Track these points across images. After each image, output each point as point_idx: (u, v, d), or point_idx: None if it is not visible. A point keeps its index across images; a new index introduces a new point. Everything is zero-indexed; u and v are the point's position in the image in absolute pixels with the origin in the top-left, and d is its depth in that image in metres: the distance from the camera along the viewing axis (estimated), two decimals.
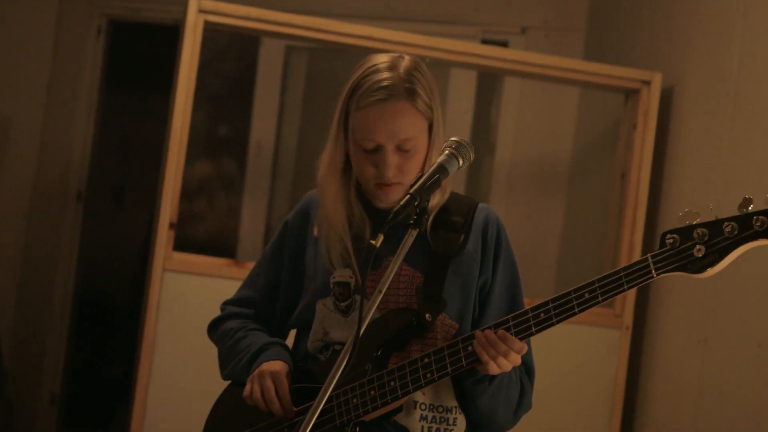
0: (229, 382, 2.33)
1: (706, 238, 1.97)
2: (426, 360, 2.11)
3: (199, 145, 5.45)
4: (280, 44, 5.20)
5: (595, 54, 4.92)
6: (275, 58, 5.27)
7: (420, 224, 2.00)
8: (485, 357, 2.06)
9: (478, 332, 2.09)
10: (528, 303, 2.15)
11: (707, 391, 3.38)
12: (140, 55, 6.22)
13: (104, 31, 5.28)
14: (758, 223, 1.93)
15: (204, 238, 5.32)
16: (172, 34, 4.77)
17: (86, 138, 5.30)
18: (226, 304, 2.41)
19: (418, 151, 2.17)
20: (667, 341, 3.76)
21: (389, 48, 3.73)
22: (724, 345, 3.33)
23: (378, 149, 2.16)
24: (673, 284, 3.71)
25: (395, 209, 1.97)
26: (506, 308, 2.22)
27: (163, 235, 3.73)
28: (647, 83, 3.95)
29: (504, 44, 5.10)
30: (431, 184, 2.03)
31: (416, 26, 4.87)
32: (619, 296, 2.35)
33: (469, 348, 2.08)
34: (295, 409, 2.16)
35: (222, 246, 5.31)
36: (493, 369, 2.07)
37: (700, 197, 3.60)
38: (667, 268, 1.99)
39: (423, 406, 2.18)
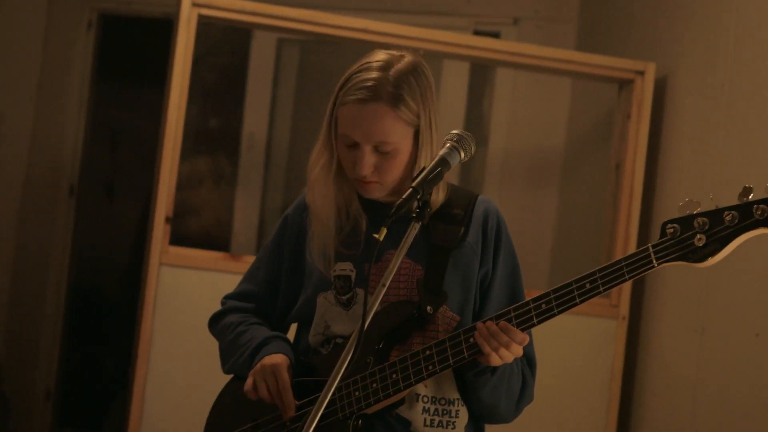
0: (230, 376, 2.33)
1: (706, 228, 1.97)
2: (428, 352, 2.11)
3: (191, 138, 5.43)
4: (271, 37, 5.19)
5: (588, 44, 4.92)
6: (267, 50, 5.26)
7: (422, 218, 1.99)
8: (487, 348, 2.06)
9: (479, 323, 2.09)
10: (524, 295, 2.14)
11: (704, 381, 3.38)
12: (131, 49, 6.19)
13: (95, 25, 5.27)
14: (759, 212, 1.94)
15: (197, 231, 5.30)
16: (163, 28, 4.76)
17: (78, 133, 5.29)
18: (226, 298, 2.41)
19: (399, 152, 2.16)
20: (663, 331, 3.76)
21: (380, 40, 3.73)
22: (721, 335, 3.33)
23: (356, 146, 2.16)
24: (670, 274, 3.71)
25: (398, 203, 1.97)
26: (507, 300, 2.22)
27: (160, 230, 3.72)
28: (641, 73, 3.95)
29: (496, 35, 5.10)
30: (433, 177, 2.03)
31: (408, 18, 4.87)
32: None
33: (471, 339, 2.08)
34: (297, 402, 2.16)
35: (215, 239, 5.29)
36: (495, 360, 2.07)
37: (695, 186, 3.60)
38: (668, 258, 1.99)
39: (425, 399, 2.18)
